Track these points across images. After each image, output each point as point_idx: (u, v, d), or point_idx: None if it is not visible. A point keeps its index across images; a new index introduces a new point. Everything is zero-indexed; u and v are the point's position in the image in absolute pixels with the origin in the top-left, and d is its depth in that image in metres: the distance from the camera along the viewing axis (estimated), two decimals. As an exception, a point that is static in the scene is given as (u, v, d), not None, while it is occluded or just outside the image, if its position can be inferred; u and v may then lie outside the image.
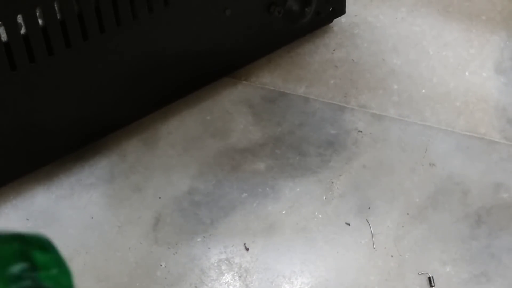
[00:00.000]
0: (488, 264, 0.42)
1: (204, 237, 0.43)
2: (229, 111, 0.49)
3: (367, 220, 0.44)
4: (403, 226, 0.43)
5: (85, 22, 0.40)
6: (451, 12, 0.54)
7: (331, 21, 0.52)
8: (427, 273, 0.42)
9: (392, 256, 0.42)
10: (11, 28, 0.37)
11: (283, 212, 0.44)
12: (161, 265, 0.42)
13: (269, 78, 0.50)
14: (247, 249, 0.43)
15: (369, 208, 0.44)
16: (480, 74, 0.51)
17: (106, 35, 0.41)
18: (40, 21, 0.38)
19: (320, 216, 0.44)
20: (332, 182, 0.45)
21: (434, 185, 0.45)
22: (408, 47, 0.52)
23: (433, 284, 0.41)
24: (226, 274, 0.42)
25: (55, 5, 0.38)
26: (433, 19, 0.54)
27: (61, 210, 0.44)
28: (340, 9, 0.52)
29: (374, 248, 0.43)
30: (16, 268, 0.21)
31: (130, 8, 0.41)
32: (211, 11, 0.45)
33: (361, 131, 0.48)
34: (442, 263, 0.42)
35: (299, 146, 0.47)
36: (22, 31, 0.38)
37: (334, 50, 0.52)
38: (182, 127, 0.48)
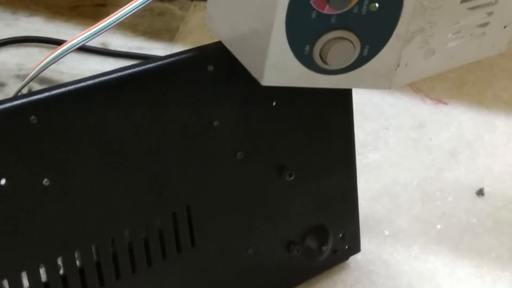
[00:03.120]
0: None
1: None
2: None
3: None
4: None
5: (118, 263, 0.43)
6: (462, 250, 0.57)
7: (347, 258, 0.55)
8: None
9: None
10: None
11: None
12: None
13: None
14: None
15: None
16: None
17: (137, 275, 0.44)
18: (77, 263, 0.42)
19: None
20: None
21: None
22: (423, 283, 0.54)
23: None
24: None
25: (92, 247, 0.42)
26: (445, 256, 0.56)
27: None
28: (355, 247, 0.55)
29: None
30: None
31: (160, 249, 0.45)
32: (234, 251, 0.48)
33: None
34: None
35: None
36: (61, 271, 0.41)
37: (351, 285, 0.54)
38: None
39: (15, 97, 0.37)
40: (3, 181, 0.38)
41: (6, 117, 0.37)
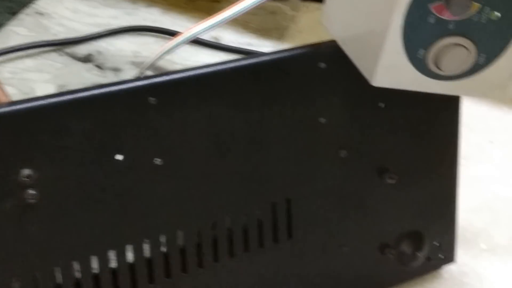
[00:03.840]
0: None
1: None
2: None
3: None
4: None
5: (218, 247, 0.45)
6: None
7: (441, 268, 0.55)
8: None
9: None
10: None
11: None
12: None
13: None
14: None
15: None
16: None
17: (234, 259, 0.45)
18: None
19: None
20: None
21: None
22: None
23: None
24: None
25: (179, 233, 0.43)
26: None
27: None
28: (450, 257, 0.54)
29: None
30: None
31: (258, 237, 0.46)
32: (329, 247, 0.49)
33: None
34: None
35: None
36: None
37: (443, 296, 0.54)
38: None
39: (138, 78, 0.39)
40: (120, 157, 0.40)
41: (128, 96, 0.39)
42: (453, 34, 0.38)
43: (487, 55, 0.39)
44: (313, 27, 0.83)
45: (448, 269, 0.55)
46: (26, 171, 0.38)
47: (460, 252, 0.56)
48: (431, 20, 0.38)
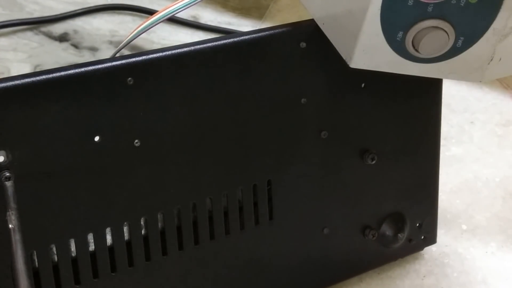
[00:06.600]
0: None
1: None
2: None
3: None
4: None
5: (198, 229, 0.44)
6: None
7: (422, 249, 0.55)
8: None
9: None
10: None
11: None
12: None
13: (359, 297, 0.52)
14: None
15: None
16: None
17: (215, 242, 0.45)
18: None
19: None
20: None
21: None
22: (498, 281, 0.53)
23: None
24: None
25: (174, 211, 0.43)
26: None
27: None
28: (431, 238, 0.54)
29: None
30: None
31: (239, 219, 0.45)
32: (310, 229, 0.49)
33: None
34: None
35: None
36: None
37: (424, 276, 0.53)
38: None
39: (115, 58, 0.38)
40: (96, 138, 0.39)
41: (105, 76, 0.38)
42: (432, 17, 0.38)
43: (466, 39, 0.39)
44: (293, 6, 0.82)
45: (429, 250, 0.55)
46: (1, 152, 0.37)
47: (441, 232, 0.56)
48: (410, 2, 0.37)
